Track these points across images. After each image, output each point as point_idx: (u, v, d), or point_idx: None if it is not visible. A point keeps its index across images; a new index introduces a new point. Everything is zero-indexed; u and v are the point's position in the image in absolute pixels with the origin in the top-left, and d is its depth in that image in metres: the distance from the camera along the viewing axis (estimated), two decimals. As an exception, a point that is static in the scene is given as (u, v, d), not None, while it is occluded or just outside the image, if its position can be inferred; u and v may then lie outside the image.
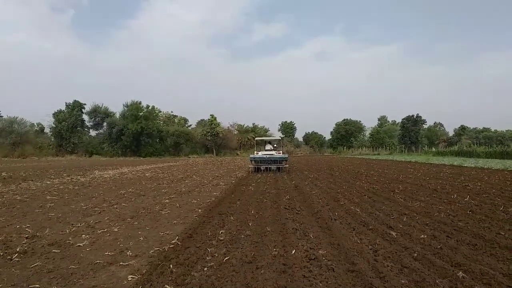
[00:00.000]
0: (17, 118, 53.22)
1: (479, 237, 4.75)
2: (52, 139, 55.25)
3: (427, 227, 5.45)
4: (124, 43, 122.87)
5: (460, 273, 3.41)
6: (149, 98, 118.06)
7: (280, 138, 26.61)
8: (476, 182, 11.30)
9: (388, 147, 63.05)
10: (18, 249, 4.50)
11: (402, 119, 63.32)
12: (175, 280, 3.47)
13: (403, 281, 3.34)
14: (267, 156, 18.67)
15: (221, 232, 5.28)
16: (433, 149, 51.48)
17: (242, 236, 5.08)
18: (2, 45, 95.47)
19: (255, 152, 20.93)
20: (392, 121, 79.49)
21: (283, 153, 20.74)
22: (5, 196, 9.43)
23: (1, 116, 53.76)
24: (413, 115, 61.48)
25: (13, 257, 4.23)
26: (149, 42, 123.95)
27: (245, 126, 66.73)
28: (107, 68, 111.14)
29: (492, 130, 69.96)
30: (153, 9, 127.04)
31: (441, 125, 79.83)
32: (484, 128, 71.32)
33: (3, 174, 17.23)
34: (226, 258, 4.07)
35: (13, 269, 3.85)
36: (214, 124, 57.37)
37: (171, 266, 3.83)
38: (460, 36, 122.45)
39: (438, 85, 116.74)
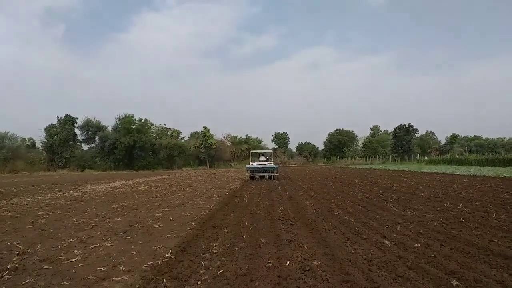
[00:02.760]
0: (8, 133, 52.74)
1: (472, 245, 4.78)
2: (44, 154, 54.57)
3: (421, 235, 5.47)
4: (116, 57, 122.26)
5: (454, 281, 3.43)
6: (142, 111, 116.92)
7: (272, 151, 30.85)
8: (469, 190, 11.41)
9: (381, 157, 63.42)
10: (9, 266, 4.41)
11: (394, 129, 63.87)
12: (169, 295, 3.44)
13: (397, 291, 3.34)
14: (261, 166, 21.26)
15: (215, 245, 5.24)
16: (426, 157, 51.99)
17: (236, 248, 5.06)
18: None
19: (251, 162, 23.21)
20: (384, 130, 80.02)
21: (274, 163, 23.43)
22: (-5, 213, 9.26)
23: (-8, 132, 53.15)
24: (405, 124, 62.14)
25: (4, 274, 4.15)
26: (141, 55, 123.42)
27: (238, 137, 66.75)
28: (99, 82, 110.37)
29: (484, 138, 70.71)
30: (145, 23, 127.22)
31: (433, 133, 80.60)
32: (475, 136, 71.95)
33: (-7, 190, 16.94)
34: (220, 271, 4.04)
35: (3, 287, 3.77)
36: (207, 136, 57.23)
37: (164, 280, 3.79)
38: (451, 45, 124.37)
39: (429, 94, 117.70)
